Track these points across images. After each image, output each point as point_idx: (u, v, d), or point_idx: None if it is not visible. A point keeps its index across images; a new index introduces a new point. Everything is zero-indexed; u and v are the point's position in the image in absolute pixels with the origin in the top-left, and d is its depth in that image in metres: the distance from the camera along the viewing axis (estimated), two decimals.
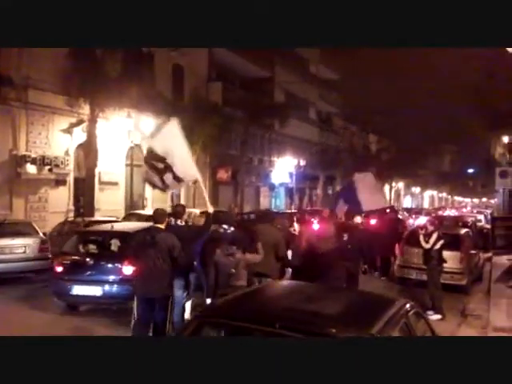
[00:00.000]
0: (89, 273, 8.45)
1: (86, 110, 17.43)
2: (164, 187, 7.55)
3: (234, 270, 6.13)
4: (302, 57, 36.75)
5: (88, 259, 8.65)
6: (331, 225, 8.47)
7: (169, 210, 21.61)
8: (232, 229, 7.17)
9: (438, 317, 8.95)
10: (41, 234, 12.35)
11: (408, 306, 4.02)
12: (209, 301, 6.27)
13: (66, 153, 18.14)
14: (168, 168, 7.23)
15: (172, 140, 7.31)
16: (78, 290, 8.42)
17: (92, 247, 9.33)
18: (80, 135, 18.17)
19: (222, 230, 7.15)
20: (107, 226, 9.99)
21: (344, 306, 3.89)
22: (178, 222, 7.58)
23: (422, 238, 9.70)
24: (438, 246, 9.38)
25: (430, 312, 8.92)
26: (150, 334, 6.21)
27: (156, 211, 6.83)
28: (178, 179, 7.33)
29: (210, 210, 7.44)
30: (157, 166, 7.28)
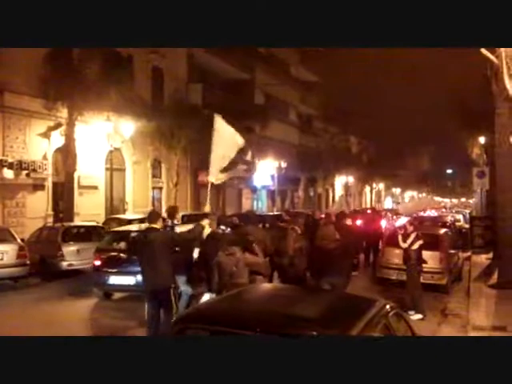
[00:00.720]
0: (123, 265, 9.58)
1: (63, 113, 17.16)
2: None
3: (235, 269, 6.45)
4: (282, 59, 36.86)
5: (122, 254, 9.83)
6: (332, 225, 8.91)
7: None
8: (229, 230, 7.73)
9: (419, 316, 9.03)
10: (18, 241, 12.16)
11: (388, 306, 4.03)
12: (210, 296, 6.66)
13: (44, 157, 17.84)
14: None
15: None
16: (114, 279, 9.79)
17: (124, 244, 10.19)
18: (58, 139, 17.91)
19: (220, 231, 7.72)
20: (136, 227, 10.99)
21: (324, 308, 3.88)
22: (175, 221, 8.47)
23: (400, 237, 9.80)
24: (415, 246, 9.47)
25: (411, 312, 8.99)
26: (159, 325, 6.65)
27: (150, 213, 7.55)
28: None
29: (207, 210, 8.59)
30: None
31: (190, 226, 7.91)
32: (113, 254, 10.13)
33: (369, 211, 24.59)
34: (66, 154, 17.23)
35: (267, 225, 13.22)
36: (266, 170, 32.28)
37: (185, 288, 7.64)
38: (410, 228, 9.81)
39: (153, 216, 7.16)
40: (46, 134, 17.89)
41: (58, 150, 18.17)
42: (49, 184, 18.12)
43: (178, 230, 8.00)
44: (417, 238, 9.53)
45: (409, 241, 9.54)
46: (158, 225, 7.00)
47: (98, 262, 10.14)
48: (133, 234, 7.94)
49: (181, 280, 7.46)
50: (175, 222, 8.44)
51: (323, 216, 15.15)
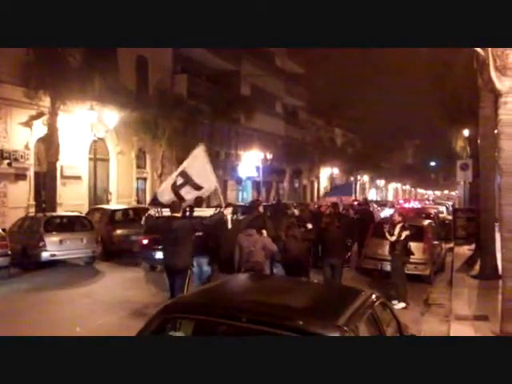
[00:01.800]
0: None
1: (46, 102, 16.89)
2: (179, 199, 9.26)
3: (253, 248, 7.44)
4: (267, 50, 36.68)
5: None
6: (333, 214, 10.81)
7: (134, 203, 21.32)
8: (242, 216, 9.29)
9: (403, 305, 9.11)
10: (0, 230, 11.96)
11: (374, 296, 4.04)
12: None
13: (26, 146, 17.59)
14: (188, 181, 9.44)
15: (197, 158, 9.82)
16: (160, 255, 10.55)
17: None
18: (40, 128, 17.63)
19: (235, 217, 9.14)
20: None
21: (310, 299, 3.88)
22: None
23: (387, 229, 9.87)
24: (402, 237, 9.53)
25: (394, 301, 9.07)
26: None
27: (173, 203, 8.53)
28: (196, 187, 9.53)
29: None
30: (176, 183, 9.47)
31: (210, 212, 9.23)
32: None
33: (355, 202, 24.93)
34: (49, 144, 16.97)
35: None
36: (252, 162, 32.24)
37: (207, 268, 8.74)
38: (398, 219, 9.87)
39: (175, 206, 8.26)
40: (27, 124, 17.61)
41: (41, 140, 17.89)
42: (31, 174, 17.88)
43: (196, 214, 9.16)
44: (403, 229, 9.59)
45: (395, 232, 9.60)
46: (179, 213, 8.07)
47: (145, 241, 11.68)
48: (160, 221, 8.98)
49: (204, 261, 8.71)
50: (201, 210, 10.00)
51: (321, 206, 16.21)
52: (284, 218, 10.32)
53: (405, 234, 9.53)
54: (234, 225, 8.97)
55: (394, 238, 9.60)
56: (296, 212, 17.10)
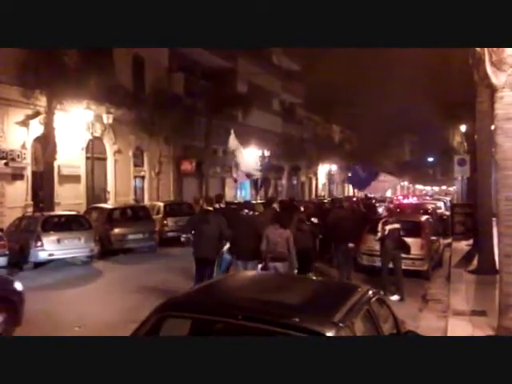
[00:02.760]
0: None
1: (42, 101, 16.83)
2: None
3: (279, 239, 8.27)
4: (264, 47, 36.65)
5: None
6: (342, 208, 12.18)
7: (131, 202, 21.32)
8: (256, 213, 10.32)
9: (397, 298, 9.15)
10: None
11: (371, 292, 4.04)
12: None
13: (23, 146, 17.51)
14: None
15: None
16: None
17: None
18: (37, 128, 17.56)
19: (251, 213, 10.20)
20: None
21: (306, 295, 3.88)
22: (221, 205, 11.14)
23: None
24: (386, 232, 9.62)
25: (393, 297, 9.12)
26: None
27: (206, 197, 10.13)
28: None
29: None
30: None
31: None
32: None
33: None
34: (46, 143, 16.92)
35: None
36: (250, 159, 32.15)
37: (227, 256, 9.45)
38: (384, 214, 10.02)
39: (209, 201, 9.72)
40: (24, 123, 17.53)
41: (38, 139, 17.83)
42: (28, 173, 17.81)
43: None
44: (385, 224, 9.66)
45: (379, 229, 9.73)
46: (212, 207, 9.20)
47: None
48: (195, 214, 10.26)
49: (227, 250, 9.36)
50: (221, 205, 11.04)
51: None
52: (295, 214, 10.77)
53: (388, 228, 9.59)
54: (251, 218, 9.83)
55: (378, 236, 9.72)
56: None
